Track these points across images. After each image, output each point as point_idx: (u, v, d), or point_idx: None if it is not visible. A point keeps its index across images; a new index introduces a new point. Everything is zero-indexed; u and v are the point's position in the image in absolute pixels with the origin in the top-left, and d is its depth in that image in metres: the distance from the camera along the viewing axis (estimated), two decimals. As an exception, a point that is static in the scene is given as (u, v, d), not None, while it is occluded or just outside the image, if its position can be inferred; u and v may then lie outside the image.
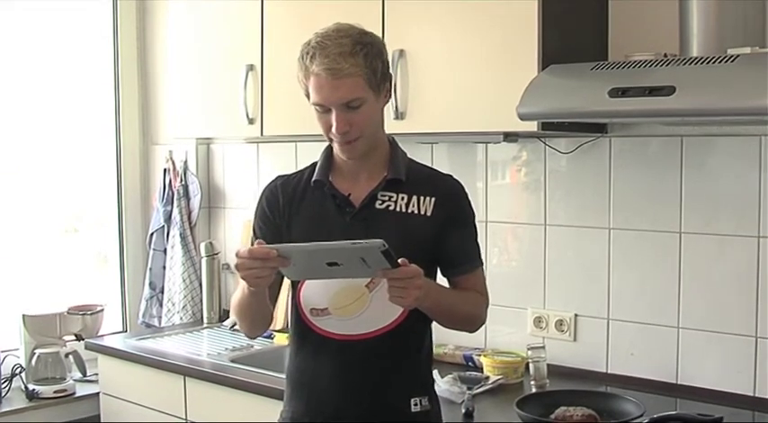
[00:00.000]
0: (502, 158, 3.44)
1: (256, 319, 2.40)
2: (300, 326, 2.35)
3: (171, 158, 4.40)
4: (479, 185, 3.45)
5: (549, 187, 3.30)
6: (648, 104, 2.44)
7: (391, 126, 3.04)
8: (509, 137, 3.09)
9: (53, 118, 4.36)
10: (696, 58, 2.54)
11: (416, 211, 2.33)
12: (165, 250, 4.37)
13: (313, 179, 2.36)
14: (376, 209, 2.32)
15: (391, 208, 2.32)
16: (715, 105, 2.39)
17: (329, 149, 2.39)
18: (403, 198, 2.33)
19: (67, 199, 4.49)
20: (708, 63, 2.45)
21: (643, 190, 3.07)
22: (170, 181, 4.38)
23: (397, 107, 3.08)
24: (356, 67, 2.20)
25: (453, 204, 2.38)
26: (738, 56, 2.43)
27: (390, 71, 2.34)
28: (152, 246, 4.40)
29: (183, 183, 4.34)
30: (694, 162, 2.96)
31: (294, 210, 2.37)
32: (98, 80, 4.49)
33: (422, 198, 2.34)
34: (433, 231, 2.33)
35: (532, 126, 2.80)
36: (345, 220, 2.31)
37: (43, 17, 4.23)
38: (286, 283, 2.40)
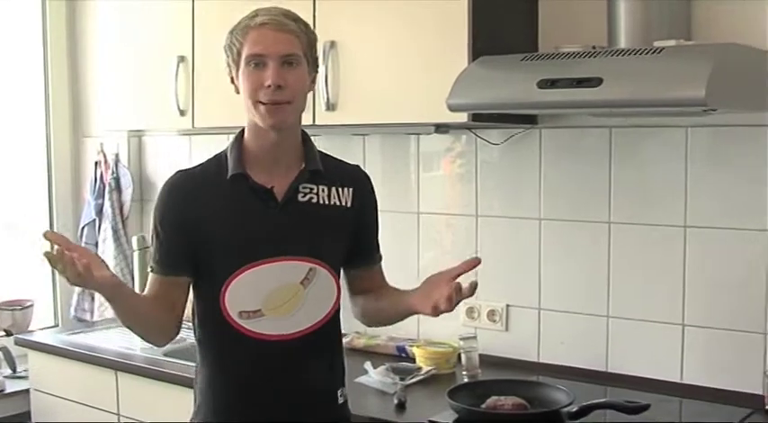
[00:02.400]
0: (434, 150, 3.45)
1: (149, 326, 2.33)
2: (226, 331, 2.24)
3: (102, 151, 4.35)
4: (412, 177, 3.46)
5: (480, 178, 3.32)
6: (576, 95, 2.46)
7: (322, 117, 3.06)
8: (440, 128, 3.10)
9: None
10: (623, 49, 2.57)
11: (338, 203, 2.33)
12: (96, 244, 4.31)
13: (231, 173, 2.24)
14: (299, 201, 2.28)
15: (314, 200, 2.29)
16: (640, 96, 2.42)
17: (239, 142, 2.30)
18: (323, 190, 2.31)
19: (-4, 193, 4.42)
20: (634, 55, 2.48)
21: (573, 181, 3.10)
22: (101, 174, 4.33)
23: (328, 98, 3.07)
24: (299, 31, 2.20)
25: (368, 194, 2.42)
26: (664, 48, 2.46)
27: (319, 65, 2.32)
28: (83, 239, 4.34)
29: (115, 175, 4.30)
30: (623, 153, 3.00)
31: (210, 206, 2.24)
32: (27, 72, 4.43)
33: (341, 189, 2.34)
34: (353, 222, 2.36)
35: (463, 117, 2.82)
36: (270, 215, 2.25)
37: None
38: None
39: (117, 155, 4.32)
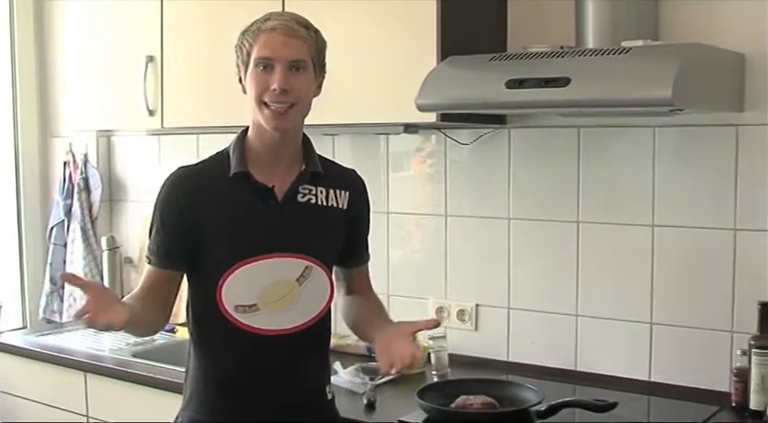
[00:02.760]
0: (404, 150, 3.46)
1: (146, 326, 2.37)
2: (221, 324, 2.27)
3: (71, 151, 4.31)
4: (382, 177, 3.46)
5: (449, 178, 3.32)
6: (544, 95, 2.47)
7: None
8: (409, 128, 3.11)
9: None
10: (591, 50, 2.59)
11: (335, 205, 2.37)
12: (65, 244, 4.28)
13: (233, 171, 2.28)
14: (298, 202, 2.32)
15: (312, 201, 2.33)
16: (608, 96, 2.43)
17: (241, 141, 2.33)
18: (322, 191, 2.35)
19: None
20: (602, 55, 2.50)
21: (542, 180, 3.12)
22: (70, 174, 4.30)
23: (297, 98, 3.06)
24: (308, 37, 2.25)
25: (363, 198, 2.48)
26: (631, 48, 2.48)
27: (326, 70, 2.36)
28: (52, 240, 4.31)
29: (84, 176, 4.27)
30: (591, 153, 3.02)
31: (211, 202, 2.27)
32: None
33: (338, 191, 2.38)
34: (347, 224, 2.41)
35: (431, 117, 2.82)
36: (270, 213, 2.28)
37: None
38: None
39: (86, 155, 4.29)
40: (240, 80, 2.30)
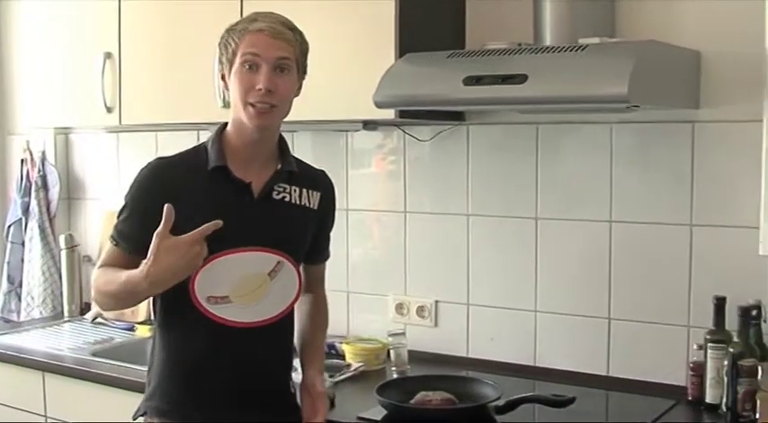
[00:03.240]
0: (365, 147, 3.46)
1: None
2: (191, 315, 2.29)
3: (28, 148, 4.27)
4: (342, 174, 3.46)
5: (409, 175, 3.33)
6: (501, 92, 2.48)
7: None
8: (368, 125, 3.11)
9: None
10: (548, 47, 2.60)
11: (307, 204, 2.44)
12: (23, 243, 4.24)
13: (212, 165, 2.31)
14: (273, 199, 2.37)
15: (286, 199, 2.39)
16: (564, 93, 2.44)
17: (220, 136, 2.37)
18: (295, 190, 2.41)
19: None
20: (559, 52, 2.51)
21: (500, 177, 3.13)
22: (27, 172, 4.26)
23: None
24: (293, 39, 2.31)
25: (332, 199, 2.56)
26: (588, 45, 2.49)
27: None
28: (9, 238, 4.27)
29: (42, 173, 4.23)
30: (549, 149, 3.04)
31: (188, 193, 2.29)
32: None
33: (310, 192, 2.45)
34: (317, 223, 2.48)
35: (390, 114, 2.82)
36: (246, 208, 2.32)
37: None
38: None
39: (43, 152, 4.25)
40: (223, 77, 2.34)
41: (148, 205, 2.28)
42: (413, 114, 2.90)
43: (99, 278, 2.34)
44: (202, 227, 2.14)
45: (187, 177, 2.33)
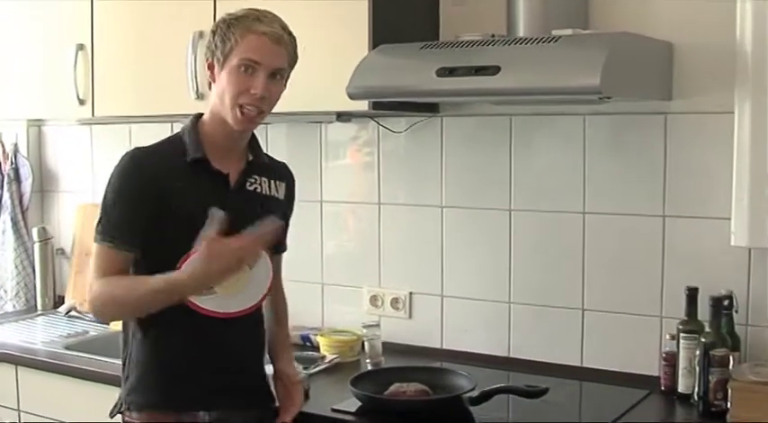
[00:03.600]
0: (339, 139, 3.45)
1: None
2: (175, 308, 2.27)
3: (0, 141, 4.24)
4: (316, 166, 3.46)
5: (383, 167, 3.33)
6: (474, 83, 2.48)
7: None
8: (342, 117, 3.11)
9: None
10: (521, 38, 2.60)
11: (275, 195, 2.49)
12: (-5, 236, 4.23)
13: (192, 157, 2.33)
14: (247, 189, 2.41)
15: (258, 190, 2.44)
16: (537, 84, 2.45)
17: (195, 127, 2.38)
18: (265, 181, 2.46)
19: None
20: (532, 43, 2.51)
21: (474, 168, 3.13)
22: None
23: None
24: (290, 44, 2.36)
25: (293, 191, 2.60)
26: (561, 37, 2.50)
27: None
28: (-19, 231, 4.25)
29: (14, 166, 4.20)
30: (523, 141, 3.04)
31: (170, 184, 2.29)
32: None
33: (277, 183, 2.50)
34: (282, 214, 2.50)
35: (363, 106, 2.81)
36: (224, 198, 2.32)
37: None
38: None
39: (15, 145, 4.22)
40: (210, 67, 2.34)
41: (135, 195, 2.29)
42: (386, 106, 2.89)
43: (106, 288, 2.28)
44: (250, 233, 2.24)
45: (167, 167, 2.32)
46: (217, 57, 2.31)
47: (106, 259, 2.30)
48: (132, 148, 2.38)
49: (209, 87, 2.42)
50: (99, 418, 3.01)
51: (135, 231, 2.29)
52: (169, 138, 2.42)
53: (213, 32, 2.33)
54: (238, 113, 2.29)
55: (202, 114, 2.41)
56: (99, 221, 2.32)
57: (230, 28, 2.29)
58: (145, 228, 2.29)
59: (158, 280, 2.22)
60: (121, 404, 2.43)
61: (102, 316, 2.44)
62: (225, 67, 2.29)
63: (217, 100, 2.33)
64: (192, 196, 2.29)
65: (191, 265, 2.20)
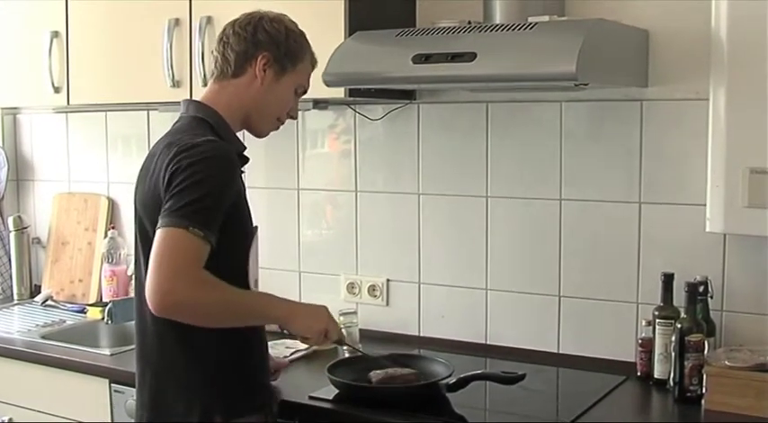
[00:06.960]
0: (317, 126, 3.44)
1: None
2: None
3: (-25, 130, 4.23)
4: (294, 153, 3.45)
5: (360, 154, 3.32)
6: (450, 70, 2.48)
7: (200, 93, 3.01)
8: (318, 104, 3.11)
9: None
10: (497, 25, 2.61)
11: None
12: (-30, 225, 4.21)
13: (242, 151, 2.39)
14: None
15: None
16: (513, 71, 2.45)
17: (223, 121, 2.33)
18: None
19: None
20: (508, 30, 2.51)
21: (451, 155, 3.13)
22: (-26, 153, 4.22)
23: (204, 74, 3.02)
24: None
25: None
26: (537, 23, 2.50)
27: None
28: (-44, 221, 4.23)
29: (-11, 155, 4.19)
30: (500, 128, 3.04)
31: (238, 178, 2.27)
32: None
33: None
34: None
35: (340, 93, 2.81)
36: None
37: None
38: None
39: (-10, 133, 4.21)
40: (267, 63, 2.33)
41: (232, 196, 2.20)
42: (363, 93, 2.88)
43: (227, 291, 2.15)
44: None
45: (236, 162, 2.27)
46: (279, 57, 2.34)
47: (202, 254, 2.08)
48: (209, 140, 2.20)
49: (236, 75, 2.34)
50: (75, 407, 3.02)
51: (217, 228, 2.13)
52: (210, 136, 2.24)
53: (286, 32, 2.36)
54: (273, 124, 2.45)
55: (199, 105, 2.35)
56: (184, 206, 2.07)
57: (304, 45, 2.41)
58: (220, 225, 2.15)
59: (264, 301, 2.32)
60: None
61: (206, 318, 2.15)
62: (286, 75, 2.37)
63: (253, 98, 2.35)
64: (241, 188, 2.29)
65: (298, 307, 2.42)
